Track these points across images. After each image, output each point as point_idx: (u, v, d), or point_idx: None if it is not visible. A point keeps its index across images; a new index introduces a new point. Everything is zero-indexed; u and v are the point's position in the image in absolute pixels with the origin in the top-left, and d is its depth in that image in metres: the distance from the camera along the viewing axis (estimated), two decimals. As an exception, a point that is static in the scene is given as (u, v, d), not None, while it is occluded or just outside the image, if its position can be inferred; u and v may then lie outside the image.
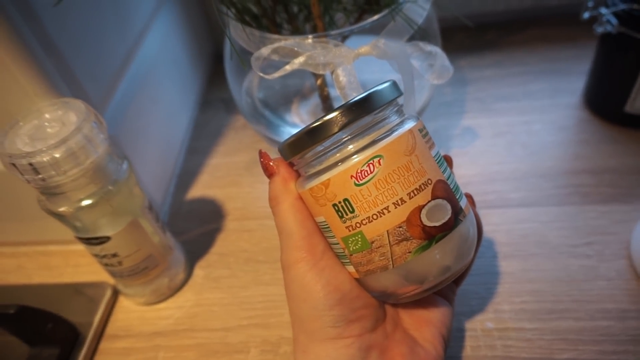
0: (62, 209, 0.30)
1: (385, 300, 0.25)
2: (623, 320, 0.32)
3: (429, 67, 0.35)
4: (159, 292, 0.38)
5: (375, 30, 0.34)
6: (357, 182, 0.22)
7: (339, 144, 0.22)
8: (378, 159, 0.21)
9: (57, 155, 0.27)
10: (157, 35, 0.48)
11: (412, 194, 0.22)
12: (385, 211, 0.22)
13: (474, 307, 0.35)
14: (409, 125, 0.23)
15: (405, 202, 0.22)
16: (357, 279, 0.24)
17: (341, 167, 0.22)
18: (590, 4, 0.44)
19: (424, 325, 0.26)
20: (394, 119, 0.23)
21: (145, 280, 0.37)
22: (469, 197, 0.28)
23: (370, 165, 0.21)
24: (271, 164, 0.25)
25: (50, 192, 0.29)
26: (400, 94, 0.24)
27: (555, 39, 0.57)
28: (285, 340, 0.35)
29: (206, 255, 0.42)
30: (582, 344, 0.31)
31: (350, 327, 0.23)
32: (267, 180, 0.25)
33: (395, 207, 0.21)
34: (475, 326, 0.33)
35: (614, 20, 0.41)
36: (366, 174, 0.21)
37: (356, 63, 0.33)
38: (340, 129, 0.22)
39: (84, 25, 0.35)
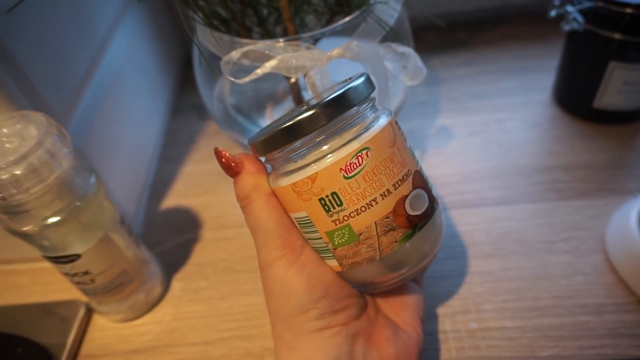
0: (26, 228, 0.28)
1: (364, 291, 0.26)
2: (601, 314, 0.33)
3: (402, 69, 0.35)
4: (135, 308, 0.37)
5: (347, 32, 0.34)
6: (346, 175, 0.22)
7: (323, 137, 0.22)
8: (366, 151, 0.22)
9: (17, 172, 0.25)
10: (122, 42, 0.46)
11: (396, 185, 0.22)
12: (373, 203, 0.22)
13: (456, 308, 0.34)
14: (389, 117, 0.23)
15: (391, 193, 0.22)
16: (338, 272, 0.24)
17: (329, 160, 0.22)
18: (556, 2, 0.45)
19: (402, 310, 0.27)
20: (371, 113, 0.24)
21: (120, 297, 0.35)
22: None
23: (359, 157, 0.22)
24: (233, 163, 0.24)
25: (13, 211, 0.28)
26: (374, 88, 0.24)
27: (524, 36, 0.58)
28: (268, 352, 0.34)
29: (183, 267, 0.41)
30: (562, 340, 0.32)
31: (336, 317, 0.24)
32: None
33: (383, 199, 0.22)
34: (459, 327, 0.33)
35: (580, 18, 0.42)
36: (355, 167, 0.22)
37: (328, 66, 0.33)
38: (326, 123, 0.22)
39: (42, 32, 0.33)
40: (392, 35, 0.36)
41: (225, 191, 0.47)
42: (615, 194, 0.40)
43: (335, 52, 0.33)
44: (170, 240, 0.43)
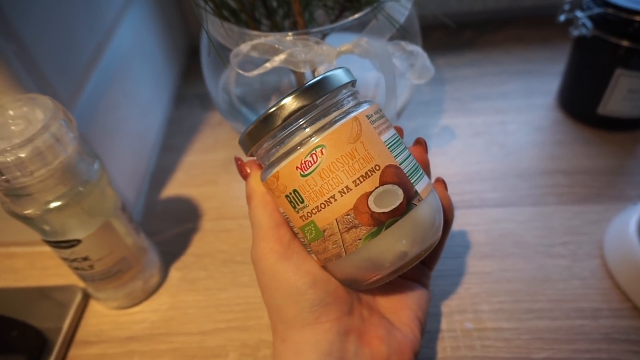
0: (27, 212, 0.28)
1: (351, 287, 0.26)
2: (596, 319, 0.33)
3: (409, 67, 0.35)
4: (132, 296, 0.37)
5: (355, 28, 0.34)
6: (302, 173, 0.22)
7: (284, 136, 0.22)
8: (320, 148, 0.22)
9: (22, 155, 0.25)
10: (129, 29, 0.46)
11: (357, 181, 0.22)
12: (332, 200, 0.22)
13: (453, 308, 0.35)
14: (355, 112, 0.23)
15: (351, 189, 0.22)
16: (322, 267, 0.24)
17: (288, 159, 0.22)
18: (566, 7, 0.45)
19: (400, 309, 0.27)
20: (345, 106, 0.23)
21: (118, 284, 0.35)
22: (440, 182, 0.28)
23: (314, 155, 0.22)
24: (246, 168, 0.26)
25: (15, 193, 0.27)
26: (350, 80, 0.24)
27: (531, 40, 0.58)
28: (264, 344, 0.34)
29: (182, 257, 0.41)
30: (557, 343, 0.32)
31: (327, 311, 0.24)
32: None
33: (342, 195, 0.22)
34: (455, 327, 0.34)
35: (589, 24, 0.42)
36: (310, 165, 0.22)
37: (337, 61, 0.33)
38: (284, 121, 0.22)
39: (50, 16, 0.33)
40: (401, 34, 0.36)
41: (226, 182, 0.47)
42: (615, 200, 0.40)
43: (345, 47, 0.33)
44: (170, 229, 0.43)
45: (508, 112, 0.50)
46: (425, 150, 0.28)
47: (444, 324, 0.34)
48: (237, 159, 0.27)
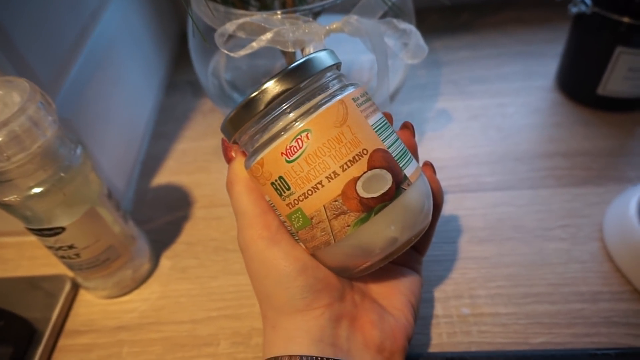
0: (7, 199, 0.27)
1: (342, 275, 0.25)
2: (596, 302, 0.32)
3: (403, 46, 0.34)
4: (122, 285, 0.36)
5: (347, 8, 0.33)
6: (287, 159, 0.21)
7: (268, 121, 0.22)
8: (306, 133, 0.21)
9: (-2, 139, 0.24)
10: (115, 12, 0.45)
11: (345, 166, 0.21)
12: (319, 186, 0.21)
13: (449, 293, 0.34)
14: (341, 95, 0.22)
15: (338, 175, 0.21)
16: (311, 255, 0.24)
17: (272, 145, 0.21)
18: (565, -16, 0.43)
19: (393, 294, 0.26)
20: (330, 89, 0.22)
21: (106, 273, 0.35)
22: (428, 166, 0.27)
23: (299, 140, 0.21)
24: (232, 152, 0.25)
25: (-6, 179, 0.27)
26: (334, 63, 0.23)
27: (530, 21, 0.57)
28: (256, 332, 0.34)
29: (173, 245, 0.40)
30: (556, 328, 0.31)
31: (318, 297, 0.23)
32: None
33: (329, 181, 0.21)
34: (451, 312, 0.33)
35: (588, 0, 0.40)
36: (295, 150, 0.21)
37: (328, 42, 0.32)
38: (266, 106, 0.21)
39: (30, -3, 0.32)
40: (394, 12, 0.35)
41: (217, 169, 0.46)
42: (615, 181, 0.39)
43: (334, 26, 0.32)
44: (161, 217, 0.42)
45: (506, 94, 0.48)
46: (413, 134, 0.27)
47: (440, 310, 0.33)
48: (224, 141, 0.25)
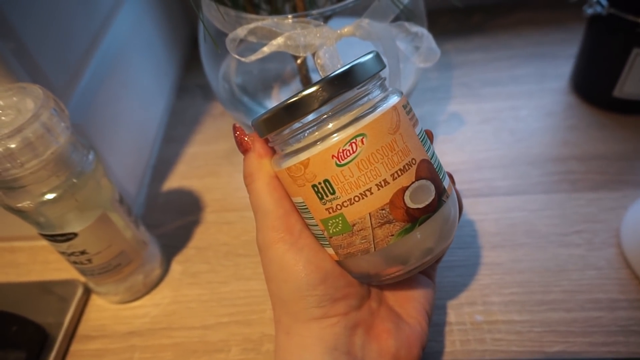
0: (21, 205, 0.27)
1: (367, 282, 0.25)
2: (613, 310, 0.32)
3: (414, 50, 0.33)
4: (133, 290, 0.36)
5: (358, 11, 0.32)
6: (338, 163, 0.20)
7: (318, 121, 0.21)
8: (361, 137, 0.20)
9: (12, 146, 0.24)
10: (127, 17, 0.45)
11: (395, 175, 0.21)
12: (367, 193, 0.21)
13: (462, 300, 0.33)
14: (393, 101, 0.22)
15: (388, 183, 0.21)
16: (337, 261, 0.23)
17: (321, 146, 0.20)
18: (579, -15, 0.43)
19: (408, 302, 0.26)
20: (377, 94, 0.22)
21: (118, 278, 0.35)
22: (450, 177, 0.27)
23: (353, 144, 0.20)
24: (246, 139, 0.23)
25: (8, 186, 0.27)
26: (384, 66, 0.22)
27: (543, 22, 0.56)
28: (267, 338, 0.33)
29: (184, 250, 0.40)
30: (572, 336, 0.31)
31: (335, 306, 0.23)
32: None
33: (378, 189, 0.21)
34: (464, 319, 0.32)
35: (604, 1, 0.40)
36: (348, 154, 0.20)
37: (339, 46, 0.31)
38: (320, 105, 0.20)
39: (42, 2, 0.32)
40: (405, 15, 0.35)
41: (228, 173, 0.46)
42: (632, 186, 0.38)
43: (346, 30, 0.31)
44: (171, 222, 0.42)
45: (519, 97, 0.48)
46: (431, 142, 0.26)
47: (453, 317, 0.33)
48: (236, 128, 0.24)
